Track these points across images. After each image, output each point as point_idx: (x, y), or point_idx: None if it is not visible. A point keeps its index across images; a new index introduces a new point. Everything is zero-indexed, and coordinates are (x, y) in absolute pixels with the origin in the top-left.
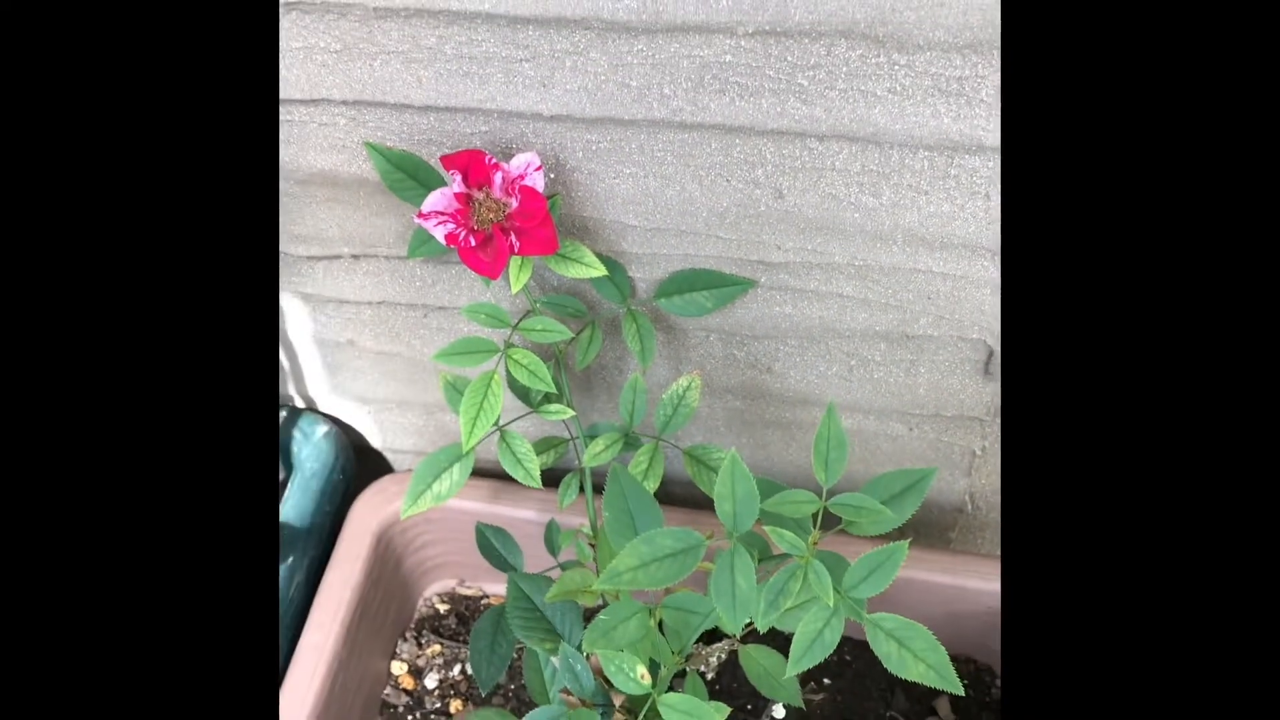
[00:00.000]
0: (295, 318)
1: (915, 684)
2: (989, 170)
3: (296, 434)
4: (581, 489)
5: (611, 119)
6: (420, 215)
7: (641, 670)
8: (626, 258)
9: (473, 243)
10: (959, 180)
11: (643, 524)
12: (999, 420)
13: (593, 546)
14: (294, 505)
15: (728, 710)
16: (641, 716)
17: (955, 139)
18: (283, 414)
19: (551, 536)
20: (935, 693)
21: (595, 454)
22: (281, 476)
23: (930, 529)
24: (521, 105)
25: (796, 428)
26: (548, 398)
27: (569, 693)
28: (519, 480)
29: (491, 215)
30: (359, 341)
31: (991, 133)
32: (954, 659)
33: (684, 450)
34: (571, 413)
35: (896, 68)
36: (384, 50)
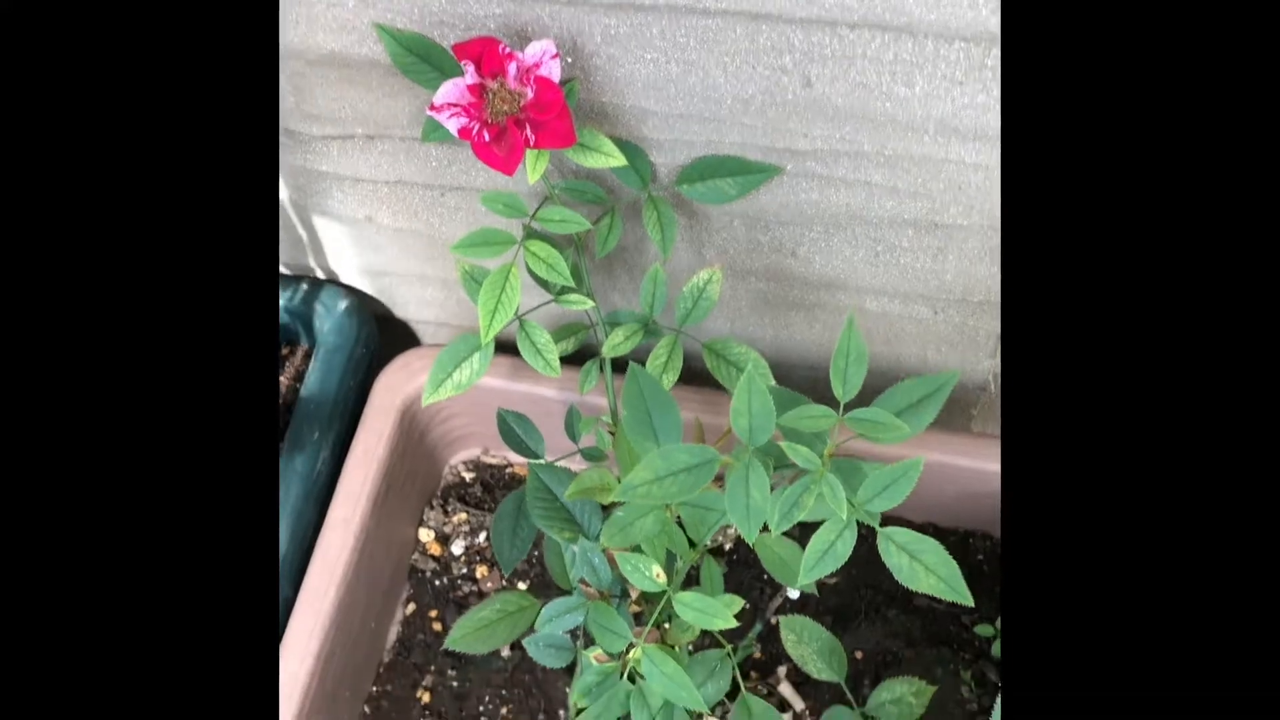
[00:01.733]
0: (312, 193)
1: None
2: None
3: (319, 308)
4: (602, 371)
5: (631, 4)
6: (432, 108)
7: (656, 569)
8: (647, 143)
9: (487, 137)
10: (995, 72)
11: (660, 423)
12: None
13: (612, 434)
14: (317, 380)
15: (740, 604)
16: (657, 611)
17: (993, 30)
18: (303, 287)
19: (572, 423)
20: None
21: (615, 345)
22: (305, 348)
23: (953, 406)
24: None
25: (820, 309)
26: (567, 287)
27: (587, 583)
28: (538, 370)
29: (506, 107)
30: (376, 218)
31: None
32: (969, 534)
33: (703, 344)
34: (591, 303)
35: None
36: None
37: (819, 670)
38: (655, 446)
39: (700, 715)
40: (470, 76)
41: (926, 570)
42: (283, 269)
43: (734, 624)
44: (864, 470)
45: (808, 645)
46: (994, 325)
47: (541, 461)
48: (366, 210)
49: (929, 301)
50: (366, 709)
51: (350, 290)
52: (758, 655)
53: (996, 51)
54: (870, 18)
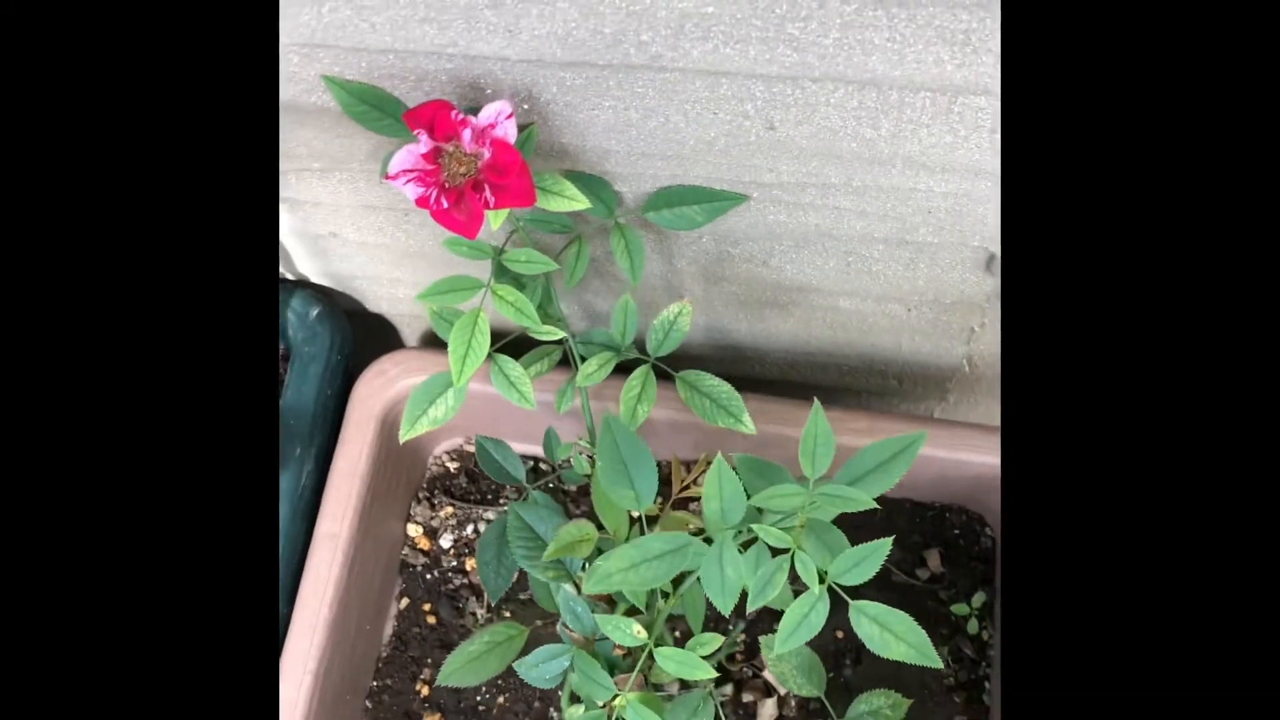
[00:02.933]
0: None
1: (908, 536)
2: (994, 108)
3: (290, 316)
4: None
5: (586, 63)
6: (388, 177)
7: (636, 627)
8: (611, 176)
9: (445, 204)
10: (962, 116)
11: (636, 471)
12: (998, 307)
13: (589, 458)
14: (294, 393)
15: (718, 642)
16: (639, 665)
17: (958, 83)
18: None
19: (550, 444)
20: (926, 544)
21: (588, 374)
22: (281, 349)
23: (930, 385)
24: (487, 50)
25: (794, 306)
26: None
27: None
28: (512, 401)
29: (463, 170)
30: (341, 234)
31: (998, 79)
32: (945, 509)
33: (677, 376)
34: (561, 334)
35: (896, 20)
36: None
37: (799, 686)
38: (631, 492)
39: None
40: (424, 143)
41: (896, 639)
42: None
43: (712, 674)
44: (836, 533)
45: (788, 662)
46: (967, 320)
47: (521, 495)
48: (330, 228)
49: (902, 302)
50: (368, 704)
51: (321, 292)
52: (742, 638)
53: (962, 99)
54: (833, 73)
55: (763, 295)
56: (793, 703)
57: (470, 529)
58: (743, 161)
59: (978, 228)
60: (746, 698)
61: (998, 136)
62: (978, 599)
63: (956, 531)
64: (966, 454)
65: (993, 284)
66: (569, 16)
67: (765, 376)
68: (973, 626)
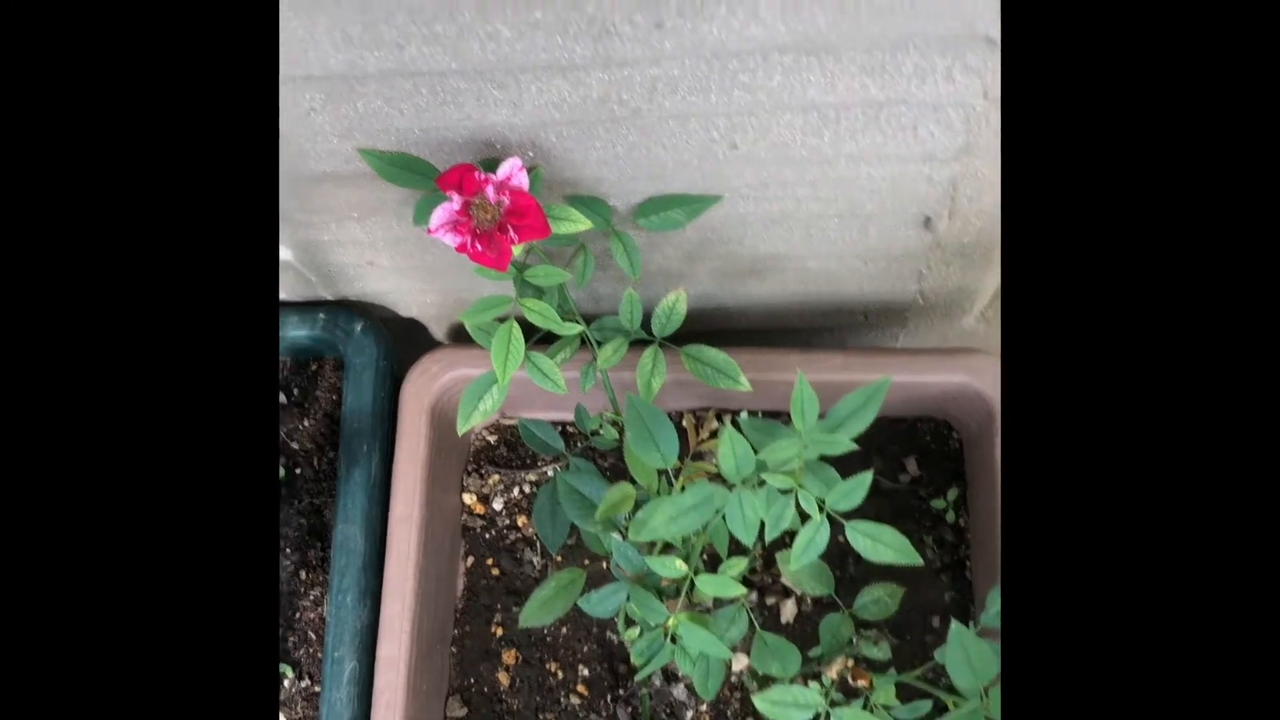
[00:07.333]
0: (315, 252)
1: (888, 447)
2: (912, 114)
3: (338, 332)
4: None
5: (578, 120)
6: (430, 231)
7: (678, 562)
8: (605, 194)
9: (479, 247)
10: (888, 121)
11: (660, 436)
12: (941, 250)
13: (614, 424)
14: (354, 398)
15: (744, 564)
16: (683, 591)
17: (881, 99)
18: (320, 316)
19: (582, 418)
20: (904, 452)
21: (606, 357)
22: (332, 361)
23: (891, 317)
24: (497, 120)
25: (769, 272)
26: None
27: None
28: (549, 390)
29: (489, 217)
30: (377, 262)
31: (914, 92)
32: (916, 420)
33: (682, 351)
34: (580, 328)
35: (825, 63)
36: (365, 96)
37: (812, 588)
38: (658, 454)
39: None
40: (456, 202)
41: (885, 546)
42: (298, 301)
43: (743, 591)
44: (828, 470)
45: (801, 572)
46: (915, 266)
47: (558, 460)
48: (368, 258)
49: (859, 258)
50: (454, 649)
51: (361, 309)
52: (759, 553)
53: (886, 109)
54: (780, 104)
55: (741, 267)
56: (809, 600)
57: (516, 491)
58: (713, 173)
59: (912, 198)
60: (769, 601)
61: (918, 131)
62: (952, 494)
63: (928, 439)
64: (929, 375)
65: (930, 238)
66: (562, 89)
67: (751, 328)
68: (950, 517)
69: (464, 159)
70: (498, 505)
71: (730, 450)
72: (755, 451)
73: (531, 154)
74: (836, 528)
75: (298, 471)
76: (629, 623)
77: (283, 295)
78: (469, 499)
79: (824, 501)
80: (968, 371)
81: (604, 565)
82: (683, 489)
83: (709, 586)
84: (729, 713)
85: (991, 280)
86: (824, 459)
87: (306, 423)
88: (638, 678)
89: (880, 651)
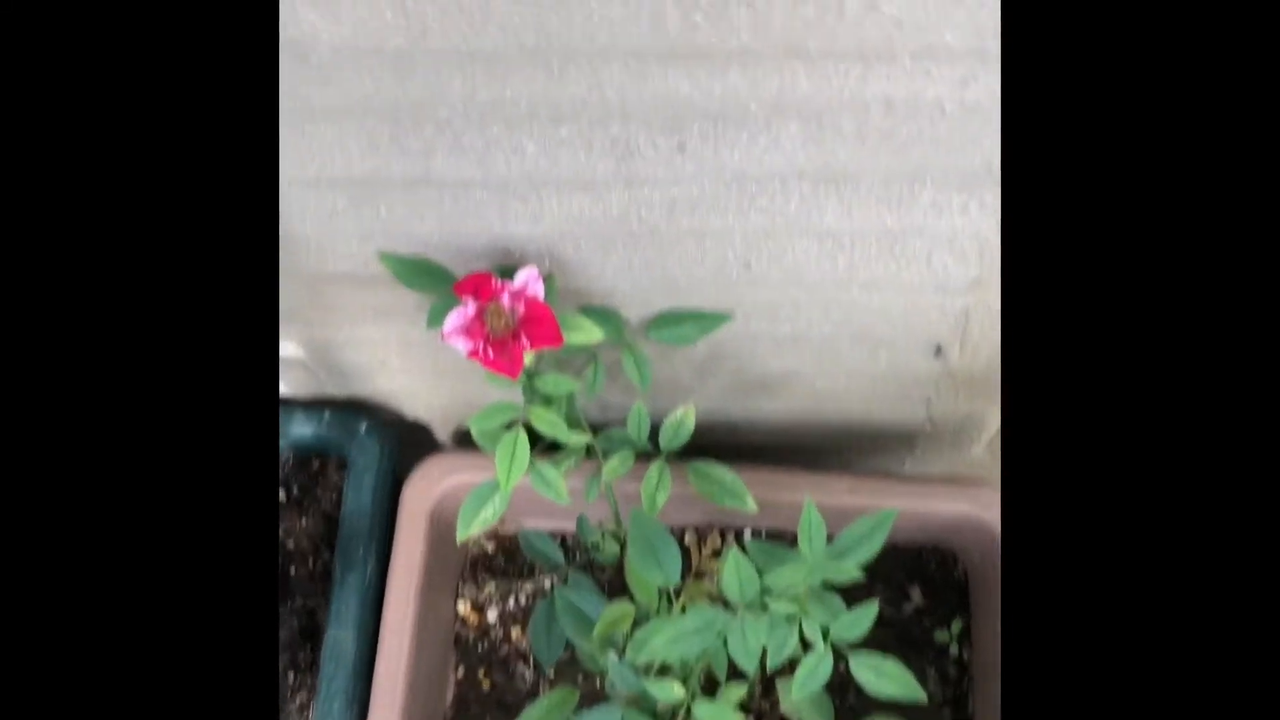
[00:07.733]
0: (328, 351)
1: (893, 574)
2: (926, 245)
3: (343, 432)
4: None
5: (597, 234)
6: (444, 336)
7: (676, 687)
8: (618, 305)
9: (491, 354)
10: (903, 251)
11: (664, 555)
12: (951, 379)
13: (614, 537)
14: (353, 499)
15: (742, 692)
16: (680, 716)
17: (896, 230)
18: (326, 414)
19: (583, 529)
20: (908, 580)
21: (613, 469)
22: (336, 460)
23: (899, 441)
24: (517, 231)
25: (778, 389)
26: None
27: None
28: (551, 499)
29: (503, 324)
30: (389, 362)
31: (929, 224)
32: (921, 548)
33: (689, 467)
34: (589, 438)
35: (843, 192)
36: (389, 202)
37: (811, 718)
38: (660, 572)
39: None
40: (471, 308)
41: (889, 680)
42: (305, 398)
43: (742, 719)
44: (834, 598)
45: (801, 701)
46: (923, 392)
47: (556, 571)
48: (380, 357)
49: (868, 381)
50: None
51: (367, 409)
52: (759, 678)
53: (901, 240)
54: (796, 228)
55: (750, 383)
56: None
57: (512, 601)
58: (727, 291)
59: (924, 327)
60: None
61: (932, 262)
62: (956, 625)
63: (933, 568)
64: (936, 504)
65: (941, 367)
66: (582, 204)
67: (758, 444)
68: (954, 649)
69: (482, 265)
70: (492, 616)
71: (735, 573)
72: (760, 575)
73: (548, 263)
74: (839, 657)
75: (292, 571)
76: None
77: (290, 391)
78: (464, 607)
79: (828, 630)
80: (973, 502)
81: (598, 684)
82: (683, 609)
83: (707, 714)
84: None
85: (999, 412)
86: (828, 585)
87: (305, 521)
88: None
89: None
